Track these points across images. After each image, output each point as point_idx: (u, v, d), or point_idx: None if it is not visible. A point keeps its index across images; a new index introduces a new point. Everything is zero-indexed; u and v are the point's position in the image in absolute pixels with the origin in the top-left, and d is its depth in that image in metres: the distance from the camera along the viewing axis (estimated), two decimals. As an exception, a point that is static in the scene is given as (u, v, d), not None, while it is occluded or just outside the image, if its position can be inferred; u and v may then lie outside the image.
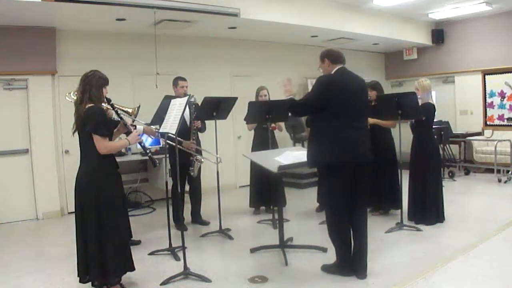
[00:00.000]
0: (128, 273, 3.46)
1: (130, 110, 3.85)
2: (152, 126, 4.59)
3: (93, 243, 3.20)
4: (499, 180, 7.56)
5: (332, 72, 3.61)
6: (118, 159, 3.53)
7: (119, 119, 3.57)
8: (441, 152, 7.02)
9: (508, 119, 8.72)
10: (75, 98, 3.53)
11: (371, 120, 5.17)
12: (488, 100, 9.07)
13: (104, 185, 3.24)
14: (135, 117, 3.91)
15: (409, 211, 5.18)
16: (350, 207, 3.55)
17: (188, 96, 4.23)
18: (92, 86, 3.27)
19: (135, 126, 4.20)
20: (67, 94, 4.19)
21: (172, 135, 3.93)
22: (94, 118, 3.19)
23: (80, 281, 3.33)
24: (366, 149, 3.58)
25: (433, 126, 5.36)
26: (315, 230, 5.10)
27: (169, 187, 4.79)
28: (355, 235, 3.60)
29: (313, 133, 3.73)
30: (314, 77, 3.95)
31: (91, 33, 6.61)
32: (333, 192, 3.57)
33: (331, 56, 3.62)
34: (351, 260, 3.59)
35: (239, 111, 5.34)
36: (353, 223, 3.59)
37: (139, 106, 3.97)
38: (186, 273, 3.71)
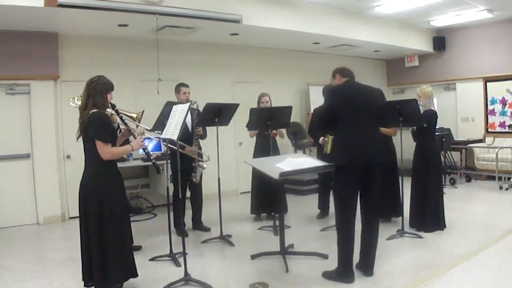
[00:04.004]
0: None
1: (134, 116, 3.87)
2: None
3: (96, 249, 3.20)
4: (501, 187, 7.54)
5: None
6: (119, 165, 3.53)
7: (124, 125, 3.57)
8: (442, 159, 7.02)
9: (509, 126, 8.70)
10: (79, 103, 3.54)
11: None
12: (490, 107, 9.07)
13: (107, 191, 3.24)
14: (139, 122, 3.92)
15: (410, 218, 5.17)
16: (362, 206, 3.72)
17: (190, 102, 4.25)
18: (97, 91, 3.28)
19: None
20: (71, 99, 4.21)
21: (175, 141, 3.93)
22: (96, 123, 3.20)
23: (84, 285, 3.32)
24: (371, 151, 3.64)
25: (435, 133, 5.35)
26: (316, 237, 5.09)
27: (170, 193, 4.80)
28: (366, 230, 3.71)
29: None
30: (316, 84, 4.01)
31: (93, 39, 6.65)
32: (341, 196, 3.68)
33: (342, 72, 3.96)
34: (352, 266, 3.61)
35: (241, 117, 5.35)
36: (365, 221, 3.71)
37: (143, 111, 3.98)
38: (187, 279, 3.70)
